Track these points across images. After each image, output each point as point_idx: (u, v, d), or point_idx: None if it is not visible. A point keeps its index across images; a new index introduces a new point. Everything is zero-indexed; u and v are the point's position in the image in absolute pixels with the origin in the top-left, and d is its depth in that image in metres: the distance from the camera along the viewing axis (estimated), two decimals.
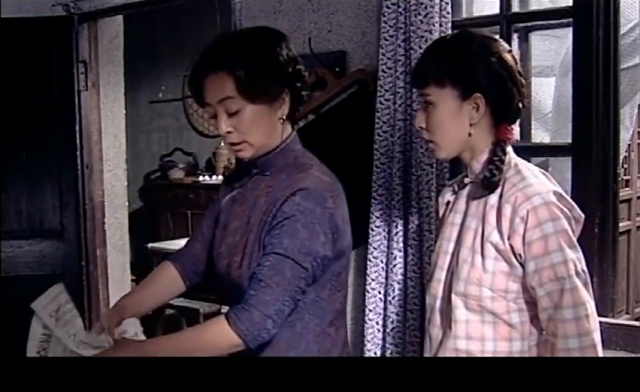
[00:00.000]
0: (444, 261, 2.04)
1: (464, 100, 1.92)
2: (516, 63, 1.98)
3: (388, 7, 2.92)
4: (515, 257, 1.88)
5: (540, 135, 3.65)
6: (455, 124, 1.94)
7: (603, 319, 2.64)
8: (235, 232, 2.09)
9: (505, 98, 1.94)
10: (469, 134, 1.95)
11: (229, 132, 2.01)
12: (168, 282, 2.34)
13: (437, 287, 2.05)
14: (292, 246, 1.93)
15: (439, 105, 1.94)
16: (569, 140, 2.77)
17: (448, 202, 2.12)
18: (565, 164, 3.08)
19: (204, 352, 1.94)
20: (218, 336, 1.94)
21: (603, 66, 2.64)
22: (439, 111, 1.95)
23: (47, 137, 4.47)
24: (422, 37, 2.81)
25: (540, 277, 1.85)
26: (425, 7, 2.80)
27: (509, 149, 1.97)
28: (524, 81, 2.01)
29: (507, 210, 1.88)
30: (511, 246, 1.88)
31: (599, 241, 2.67)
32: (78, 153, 4.53)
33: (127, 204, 4.96)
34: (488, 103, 1.92)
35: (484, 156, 1.98)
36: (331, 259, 2.00)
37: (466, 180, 2.05)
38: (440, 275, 2.04)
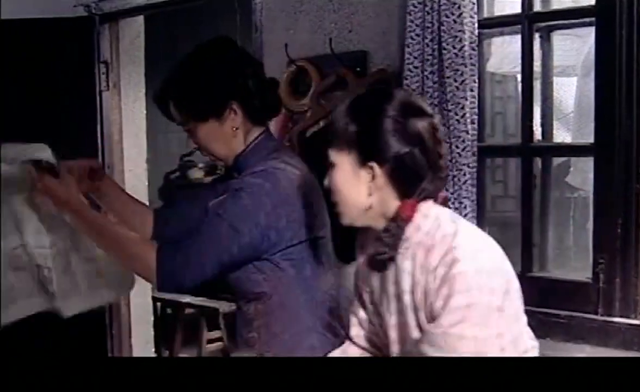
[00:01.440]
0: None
1: (360, 167, 1.78)
2: (434, 130, 1.78)
3: (414, 6, 2.91)
4: None
5: (561, 135, 3.63)
6: (352, 190, 1.81)
7: (626, 321, 2.63)
8: None
9: (407, 171, 1.76)
10: (370, 204, 1.80)
11: (195, 148, 2.21)
12: (139, 217, 2.41)
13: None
14: (232, 211, 2.01)
15: (338, 168, 1.82)
16: (591, 140, 2.75)
17: None
18: (587, 164, 3.07)
19: (117, 252, 2.10)
20: (140, 251, 2.04)
21: (626, 65, 2.62)
22: (338, 173, 1.83)
23: (68, 137, 4.48)
24: (456, 36, 2.80)
25: None
26: (459, 7, 2.80)
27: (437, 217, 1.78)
28: (442, 152, 1.80)
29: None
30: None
31: (621, 241, 2.65)
32: (99, 153, 4.56)
33: (147, 203, 4.97)
34: (387, 173, 1.76)
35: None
36: (284, 233, 2.05)
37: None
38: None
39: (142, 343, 4.73)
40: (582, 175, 3.34)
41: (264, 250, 2.04)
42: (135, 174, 4.77)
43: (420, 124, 1.76)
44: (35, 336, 4.26)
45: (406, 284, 1.77)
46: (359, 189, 1.80)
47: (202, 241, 2.00)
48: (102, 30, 4.53)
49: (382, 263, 1.82)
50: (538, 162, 2.98)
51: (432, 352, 1.67)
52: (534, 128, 2.95)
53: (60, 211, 2.16)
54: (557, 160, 3.25)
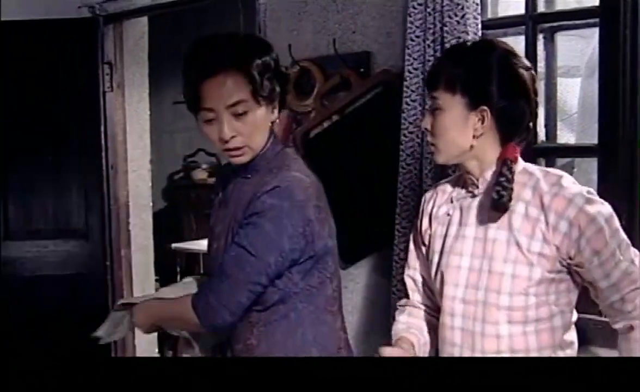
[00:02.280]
0: (458, 277, 1.98)
1: (471, 110, 1.88)
2: (534, 82, 1.93)
3: (414, 8, 2.91)
4: (561, 261, 1.88)
5: (565, 136, 3.63)
6: (458, 132, 1.90)
7: None
8: (219, 237, 2.14)
9: (514, 116, 1.90)
10: (471, 146, 1.91)
11: (233, 137, 2.02)
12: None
13: (451, 305, 2.00)
14: (256, 242, 1.97)
15: (446, 111, 1.91)
16: (595, 141, 2.75)
17: (446, 214, 2.06)
18: (591, 165, 3.06)
19: (179, 321, 2.16)
20: (186, 310, 2.05)
21: (630, 66, 2.62)
22: (445, 117, 1.91)
23: (72, 137, 4.50)
24: (459, 38, 2.79)
25: (604, 269, 1.86)
26: (462, 8, 2.79)
27: (519, 162, 1.94)
28: (537, 101, 1.97)
29: (550, 217, 1.85)
30: (558, 250, 1.86)
31: None
32: (103, 154, 4.57)
33: (151, 204, 4.98)
34: (495, 118, 1.88)
35: (491, 171, 1.95)
36: (304, 250, 2.02)
37: (476, 191, 2.00)
38: (455, 292, 1.99)
39: (145, 344, 4.74)
40: (586, 176, 3.33)
41: (285, 269, 2.04)
42: (139, 175, 4.78)
43: (527, 74, 1.91)
44: (38, 337, 4.29)
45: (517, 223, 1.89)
46: (466, 132, 1.90)
47: (232, 276, 1.99)
48: (106, 31, 4.54)
49: (504, 204, 1.87)
50: (542, 162, 2.97)
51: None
52: (538, 129, 2.94)
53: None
54: (561, 161, 3.24)
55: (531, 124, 1.96)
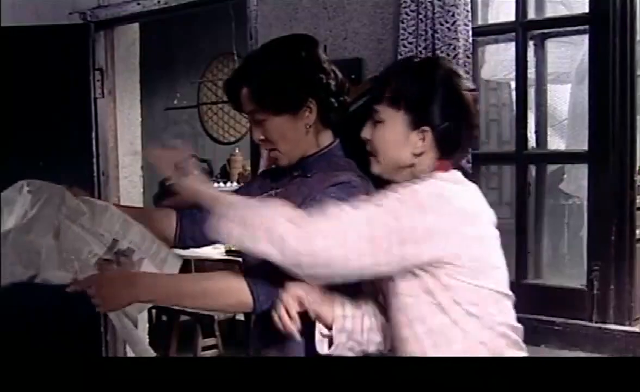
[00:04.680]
0: None
1: (412, 129, 1.86)
2: (476, 103, 1.93)
3: (407, 14, 2.92)
4: None
5: (555, 143, 3.64)
6: (398, 149, 1.88)
7: (620, 327, 2.63)
8: None
9: (455, 137, 1.88)
10: (412, 164, 1.89)
11: (261, 140, 2.07)
12: (162, 220, 2.31)
13: None
14: None
15: (388, 126, 1.89)
16: (585, 148, 2.76)
17: None
18: (581, 171, 3.07)
19: (213, 297, 1.98)
20: (232, 288, 1.96)
21: (620, 73, 2.63)
22: (386, 131, 1.89)
23: (63, 144, 4.49)
24: (450, 44, 2.81)
25: None
26: (453, 15, 2.80)
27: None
28: (478, 122, 1.97)
29: None
30: None
31: (615, 248, 2.65)
32: (94, 160, 4.56)
33: None
34: (436, 138, 1.86)
35: None
36: None
37: None
38: None
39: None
40: (576, 182, 3.35)
41: None
42: (130, 181, 4.77)
43: (470, 96, 1.90)
44: (31, 343, 4.27)
45: None
46: (406, 149, 1.88)
47: None
48: (97, 37, 4.53)
49: None
50: (532, 169, 2.98)
51: None
52: (528, 135, 2.95)
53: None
54: (551, 168, 3.25)
55: (471, 143, 1.97)
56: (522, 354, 1.89)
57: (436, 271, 1.78)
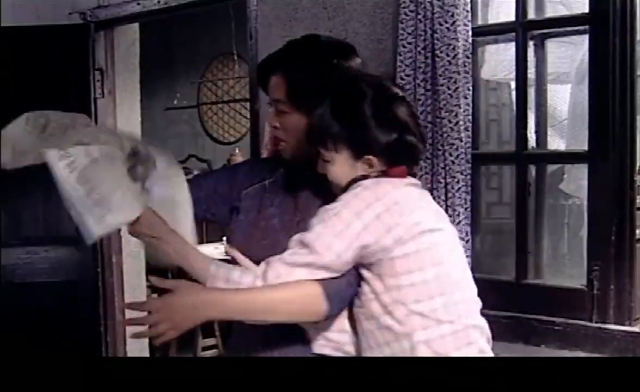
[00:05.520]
0: None
1: (356, 160, 1.92)
2: (410, 108, 1.96)
3: (406, 14, 2.92)
4: None
5: (555, 143, 3.63)
6: (350, 176, 1.93)
7: (621, 328, 2.63)
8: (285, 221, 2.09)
9: (399, 150, 1.91)
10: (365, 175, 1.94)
11: (275, 127, 2.09)
12: None
13: None
14: None
15: (334, 165, 1.94)
16: (585, 148, 2.76)
17: None
18: (581, 171, 3.07)
19: (286, 313, 1.89)
20: (308, 297, 1.87)
21: (619, 73, 2.63)
22: (334, 169, 1.95)
23: None
24: (449, 44, 2.81)
25: None
26: (453, 15, 2.80)
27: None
28: (420, 129, 1.99)
29: None
30: None
31: (615, 248, 2.65)
32: None
33: None
34: (382, 158, 1.91)
35: None
36: None
37: None
38: None
39: (137, 351, 4.72)
40: (576, 182, 3.34)
41: None
42: None
43: (402, 108, 1.92)
44: (29, 345, 4.27)
45: None
46: (356, 172, 1.93)
47: None
48: (97, 37, 4.54)
49: None
50: (532, 169, 2.98)
51: None
52: (528, 135, 2.95)
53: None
54: (551, 168, 3.25)
55: (418, 147, 1.97)
56: (477, 353, 1.86)
57: (376, 270, 1.85)
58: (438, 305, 1.82)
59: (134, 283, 4.81)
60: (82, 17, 4.50)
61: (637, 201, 2.73)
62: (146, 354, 4.92)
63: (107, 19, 4.47)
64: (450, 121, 2.83)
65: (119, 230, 4.62)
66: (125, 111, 4.72)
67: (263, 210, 2.15)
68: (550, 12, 3.10)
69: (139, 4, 4.26)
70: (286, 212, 2.11)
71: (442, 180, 2.86)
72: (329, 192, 1.97)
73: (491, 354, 1.89)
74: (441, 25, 2.83)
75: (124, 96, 4.71)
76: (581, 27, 2.82)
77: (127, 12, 4.36)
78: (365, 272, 1.87)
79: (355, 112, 1.90)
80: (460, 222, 2.81)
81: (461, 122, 2.83)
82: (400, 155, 1.92)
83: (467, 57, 2.85)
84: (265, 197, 2.17)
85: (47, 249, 4.58)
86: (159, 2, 4.14)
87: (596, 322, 2.69)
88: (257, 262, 1.96)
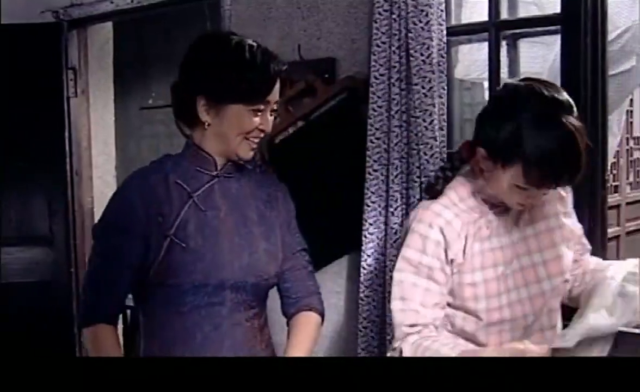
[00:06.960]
0: (499, 287, 2.10)
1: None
2: None
3: (380, 14, 2.92)
4: None
5: None
6: None
7: None
8: (252, 235, 2.20)
9: None
10: None
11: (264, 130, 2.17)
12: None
13: (495, 315, 2.10)
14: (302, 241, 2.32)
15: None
16: None
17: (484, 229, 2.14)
18: None
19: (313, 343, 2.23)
20: (317, 327, 2.25)
21: (591, 73, 2.66)
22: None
23: (36, 143, 4.46)
24: (424, 43, 2.81)
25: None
26: (427, 14, 2.81)
27: None
28: None
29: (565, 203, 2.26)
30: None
31: None
32: (67, 160, 4.52)
33: None
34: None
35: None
36: None
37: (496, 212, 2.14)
38: (497, 302, 2.10)
39: None
40: None
41: None
42: (104, 181, 4.74)
43: None
44: (2, 346, 4.24)
45: None
46: None
47: (312, 272, 2.37)
48: (70, 36, 4.50)
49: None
50: None
51: None
52: None
53: None
54: None
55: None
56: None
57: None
58: None
59: None
60: (54, 16, 4.47)
61: (609, 200, 2.75)
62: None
63: (80, 17, 4.44)
64: (424, 120, 2.84)
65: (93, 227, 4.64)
66: (99, 111, 4.70)
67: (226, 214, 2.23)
68: (523, 12, 3.12)
69: (112, 2, 4.24)
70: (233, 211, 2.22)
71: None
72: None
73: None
74: (415, 24, 2.84)
75: (98, 95, 4.68)
76: (553, 28, 2.84)
77: (100, 10, 4.33)
78: None
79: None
80: None
81: (436, 122, 2.84)
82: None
83: (442, 57, 2.86)
84: (219, 200, 2.25)
85: (20, 250, 4.54)
86: (132, 0, 4.12)
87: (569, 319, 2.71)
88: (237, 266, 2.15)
